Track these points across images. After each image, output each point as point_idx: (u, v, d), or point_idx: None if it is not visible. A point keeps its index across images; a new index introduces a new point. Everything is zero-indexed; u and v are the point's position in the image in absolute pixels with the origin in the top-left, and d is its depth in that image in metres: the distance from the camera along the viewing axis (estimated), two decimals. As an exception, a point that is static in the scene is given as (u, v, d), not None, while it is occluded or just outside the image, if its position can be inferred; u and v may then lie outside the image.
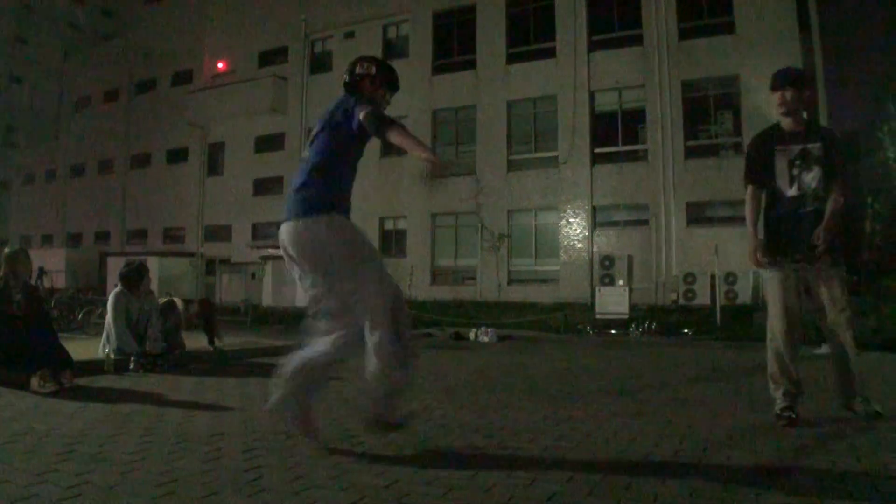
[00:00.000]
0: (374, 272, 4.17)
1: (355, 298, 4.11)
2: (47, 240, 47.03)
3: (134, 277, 8.91)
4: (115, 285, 9.03)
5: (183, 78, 40.23)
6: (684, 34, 24.98)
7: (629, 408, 5.95)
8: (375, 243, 27.09)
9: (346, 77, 4.57)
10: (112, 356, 8.06)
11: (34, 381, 6.42)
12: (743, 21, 23.82)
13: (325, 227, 4.08)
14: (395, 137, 4.00)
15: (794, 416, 5.02)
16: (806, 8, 23.42)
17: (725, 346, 13.67)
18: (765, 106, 22.71)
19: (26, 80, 52.36)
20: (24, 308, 6.88)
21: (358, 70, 4.54)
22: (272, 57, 36.11)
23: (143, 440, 4.37)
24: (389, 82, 4.61)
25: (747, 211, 5.48)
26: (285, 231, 4.21)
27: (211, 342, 10.47)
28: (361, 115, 4.06)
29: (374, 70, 4.54)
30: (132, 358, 8.17)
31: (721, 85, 24.58)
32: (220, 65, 36.77)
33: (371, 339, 4.06)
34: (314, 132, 4.35)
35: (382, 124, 4.03)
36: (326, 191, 4.18)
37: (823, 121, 22.93)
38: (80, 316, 16.20)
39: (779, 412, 5.10)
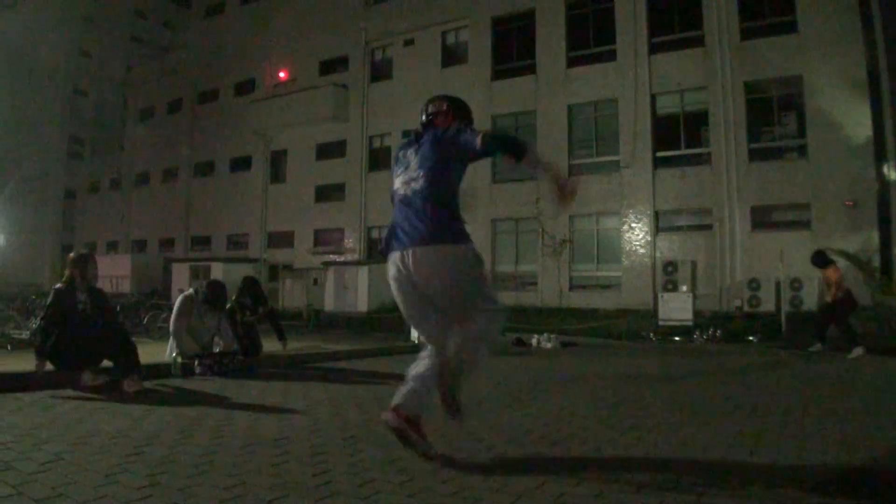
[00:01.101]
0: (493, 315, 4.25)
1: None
2: (112, 246, 48.01)
3: (214, 300, 9.03)
4: (181, 290, 9.14)
5: (245, 88, 40.74)
6: (746, 34, 24.54)
7: (697, 417, 5.84)
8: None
9: (422, 118, 4.67)
10: (179, 360, 8.15)
11: (86, 376, 6.59)
12: (805, 20, 23.32)
13: (468, 256, 4.17)
14: (531, 157, 4.11)
15: None
16: (869, 6, 22.90)
17: (790, 353, 13.35)
18: (829, 106, 22.34)
19: (90, 92, 53.43)
20: (90, 308, 6.99)
21: (430, 109, 4.64)
22: (333, 65, 36.39)
23: (211, 443, 4.39)
24: (461, 116, 4.60)
25: None
26: (415, 257, 4.13)
27: (281, 338, 10.55)
28: (479, 139, 4.08)
29: (444, 106, 4.61)
30: (197, 361, 8.25)
31: (784, 86, 24.10)
32: (281, 74, 37.18)
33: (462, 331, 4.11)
34: (411, 173, 4.35)
35: (513, 144, 4.18)
36: (459, 221, 4.24)
37: (888, 122, 22.42)
38: (145, 320, 16.48)
39: None
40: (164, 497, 3.24)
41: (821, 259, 13.53)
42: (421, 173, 4.25)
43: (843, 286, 13.20)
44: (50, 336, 6.81)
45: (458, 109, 4.63)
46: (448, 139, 4.25)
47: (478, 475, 3.68)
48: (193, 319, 8.70)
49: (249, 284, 10.70)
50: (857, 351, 12.43)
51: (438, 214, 4.13)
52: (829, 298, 13.42)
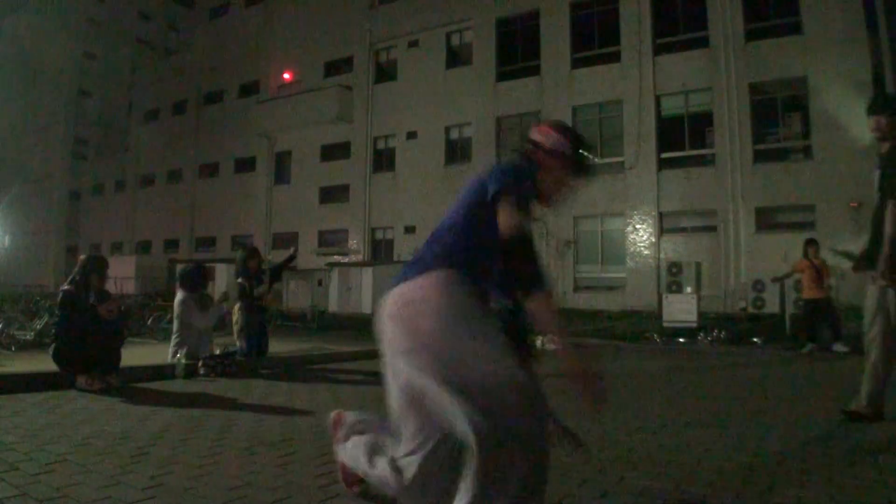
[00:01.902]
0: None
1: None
2: (117, 248, 48.03)
3: (191, 279, 8.99)
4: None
5: (250, 89, 40.77)
6: (751, 35, 24.52)
7: (701, 418, 5.83)
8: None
9: (524, 144, 3.08)
10: (183, 361, 8.14)
11: (81, 379, 6.61)
12: (810, 21, 23.30)
13: (426, 286, 2.74)
14: (544, 303, 2.73)
15: (862, 413, 5.35)
16: (873, 7, 22.86)
17: (795, 356, 13.28)
18: (834, 108, 22.29)
19: (96, 94, 53.49)
20: (101, 309, 7.00)
21: (538, 138, 3.07)
22: (337, 66, 36.40)
23: (216, 444, 4.39)
24: (577, 164, 3.07)
25: (888, 226, 5.42)
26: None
27: (292, 258, 10.53)
28: (497, 197, 2.78)
29: (565, 145, 3.04)
30: (200, 362, 8.23)
31: (789, 87, 24.08)
32: (286, 75, 37.28)
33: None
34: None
35: (521, 243, 2.71)
36: (448, 250, 2.87)
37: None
38: (149, 321, 16.49)
39: (852, 408, 5.46)
40: (167, 498, 3.23)
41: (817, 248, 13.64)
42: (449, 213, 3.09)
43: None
44: (59, 337, 6.87)
45: (575, 157, 3.07)
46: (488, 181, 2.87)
47: (482, 476, 3.67)
48: (190, 317, 8.67)
49: (252, 252, 10.50)
50: (810, 346, 13.09)
51: (437, 248, 2.92)
52: (815, 294, 13.40)
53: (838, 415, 5.57)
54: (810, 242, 13.76)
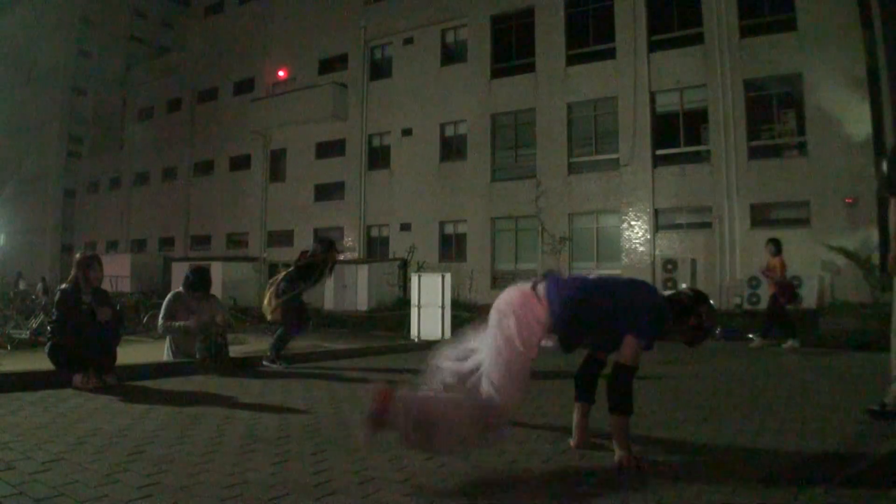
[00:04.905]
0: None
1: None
2: (112, 246, 47.97)
3: (197, 282, 8.95)
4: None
5: (244, 87, 40.69)
6: (745, 32, 24.52)
7: (697, 414, 5.85)
8: (435, 248, 26.61)
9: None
10: (198, 354, 8.08)
11: (77, 378, 6.61)
12: (805, 17, 23.30)
13: None
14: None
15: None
16: (868, 3, 22.88)
17: (792, 349, 13.30)
18: (828, 104, 22.32)
19: (90, 91, 53.32)
20: (95, 309, 6.99)
21: None
22: (332, 64, 36.34)
23: (212, 442, 4.39)
24: None
25: (890, 221, 5.43)
26: None
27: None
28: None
29: None
30: (196, 347, 8.17)
31: (783, 83, 24.08)
32: (280, 73, 37.18)
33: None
34: None
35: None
36: None
37: (887, 120, 22.43)
38: (144, 320, 16.51)
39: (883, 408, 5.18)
40: (164, 496, 3.24)
41: (779, 246, 13.84)
42: None
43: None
44: (56, 335, 6.88)
45: None
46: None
47: (478, 474, 3.68)
48: (183, 314, 8.59)
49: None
50: (793, 343, 13.09)
51: None
52: (771, 289, 13.71)
53: (834, 404, 5.61)
54: (767, 242, 14.08)
